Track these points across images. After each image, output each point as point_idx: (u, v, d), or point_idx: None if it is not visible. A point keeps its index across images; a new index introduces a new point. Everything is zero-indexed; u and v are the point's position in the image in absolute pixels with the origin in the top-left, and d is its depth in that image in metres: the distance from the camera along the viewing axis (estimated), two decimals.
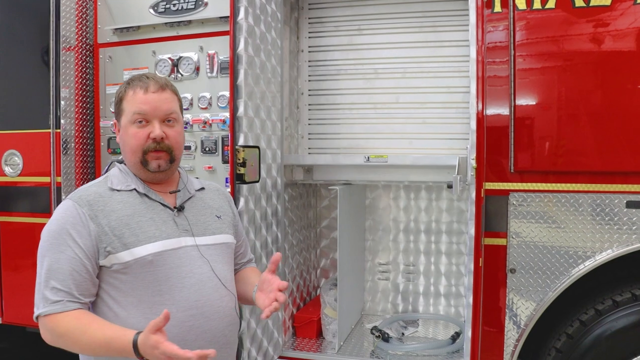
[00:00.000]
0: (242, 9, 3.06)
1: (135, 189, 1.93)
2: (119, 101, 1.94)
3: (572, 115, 3.19)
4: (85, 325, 1.72)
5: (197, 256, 1.93)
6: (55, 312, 1.73)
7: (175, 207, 1.98)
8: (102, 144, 3.92)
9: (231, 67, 3.06)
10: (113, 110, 2.01)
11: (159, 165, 1.92)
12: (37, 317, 1.77)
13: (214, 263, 1.97)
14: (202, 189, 2.18)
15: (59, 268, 1.75)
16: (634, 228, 3.12)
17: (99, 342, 1.69)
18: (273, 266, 1.97)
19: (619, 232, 3.13)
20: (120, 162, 2.03)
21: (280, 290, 1.87)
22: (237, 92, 3.04)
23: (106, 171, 2.04)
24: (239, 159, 2.99)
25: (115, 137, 3.67)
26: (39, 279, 1.78)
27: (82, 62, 3.89)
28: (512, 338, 3.21)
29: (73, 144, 3.79)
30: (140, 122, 1.90)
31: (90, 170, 3.95)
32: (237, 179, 3.00)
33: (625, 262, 3.18)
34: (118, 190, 1.90)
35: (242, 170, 3.01)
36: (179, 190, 2.04)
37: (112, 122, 2.03)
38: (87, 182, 3.81)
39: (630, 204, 3.12)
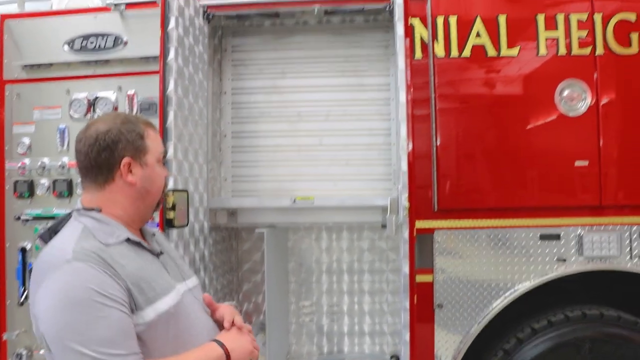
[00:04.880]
0: (173, 50, 3.01)
1: (128, 239, 1.74)
2: (139, 138, 1.79)
3: (493, 157, 3.42)
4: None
5: (193, 300, 1.88)
6: None
7: (159, 253, 1.87)
8: (7, 187, 3.64)
9: (160, 109, 2.99)
10: (120, 149, 1.74)
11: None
12: None
13: (202, 304, 1.94)
14: None
15: (114, 335, 1.53)
16: (547, 259, 3.36)
17: None
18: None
19: (534, 264, 3.36)
20: (88, 210, 1.75)
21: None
22: (166, 134, 2.97)
23: (59, 224, 1.78)
24: (169, 203, 2.88)
25: (22, 180, 3.53)
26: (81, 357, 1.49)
27: None
28: None
29: None
30: (163, 163, 1.91)
31: None
32: (166, 224, 2.89)
33: (546, 290, 3.40)
34: (110, 245, 1.68)
35: (171, 214, 2.91)
36: (154, 235, 1.96)
37: (124, 162, 1.75)
38: None
39: (543, 237, 3.37)
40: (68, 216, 1.79)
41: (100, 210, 1.74)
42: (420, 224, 3.40)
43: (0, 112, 3.66)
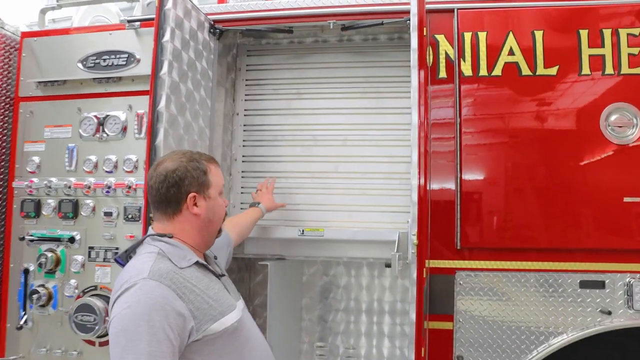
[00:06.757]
0: (166, 63, 2.84)
1: (197, 262, 2.00)
2: (203, 174, 2.06)
3: (526, 192, 3.02)
4: None
5: (248, 317, 2.16)
6: None
7: (221, 275, 2.12)
8: (14, 206, 3.58)
9: (149, 126, 2.81)
10: (181, 184, 2.00)
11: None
12: None
13: (252, 319, 2.21)
14: None
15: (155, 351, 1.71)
16: (588, 310, 2.88)
17: None
18: None
19: (572, 315, 2.89)
20: (161, 236, 2.00)
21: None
22: (154, 154, 2.76)
23: (134, 248, 2.02)
24: None
25: (29, 199, 3.44)
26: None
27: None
28: None
29: None
30: (221, 194, 2.16)
31: None
32: None
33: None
34: (183, 267, 1.93)
35: None
36: (216, 258, 2.25)
37: (192, 194, 2.04)
38: None
39: (584, 284, 2.90)
40: (141, 241, 2.03)
41: (172, 237, 2.01)
42: (439, 263, 3.05)
43: (14, 129, 3.62)
